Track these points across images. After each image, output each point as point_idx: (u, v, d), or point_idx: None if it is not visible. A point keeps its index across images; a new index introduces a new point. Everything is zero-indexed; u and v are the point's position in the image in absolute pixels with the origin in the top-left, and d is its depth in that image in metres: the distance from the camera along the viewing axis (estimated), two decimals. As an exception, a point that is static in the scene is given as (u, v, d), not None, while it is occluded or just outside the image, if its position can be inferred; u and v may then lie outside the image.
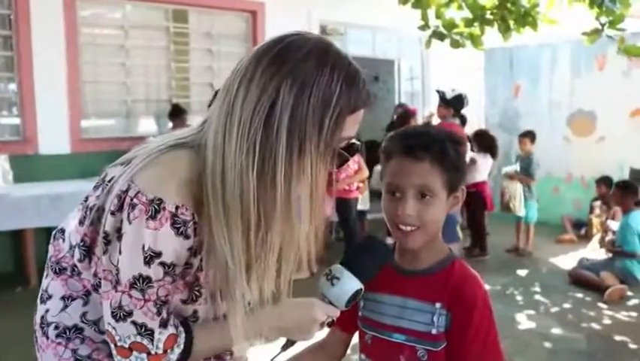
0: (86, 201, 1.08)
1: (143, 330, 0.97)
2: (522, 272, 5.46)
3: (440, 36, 5.19)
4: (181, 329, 1.02)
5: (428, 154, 1.15)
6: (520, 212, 6.00)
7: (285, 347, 1.19)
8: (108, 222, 0.97)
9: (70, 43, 5.61)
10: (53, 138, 5.50)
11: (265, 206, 0.96)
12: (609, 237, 5.41)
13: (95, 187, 1.07)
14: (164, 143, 1.03)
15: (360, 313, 1.29)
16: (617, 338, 3.88)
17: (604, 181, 6.56)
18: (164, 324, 0.99)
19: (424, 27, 5.06)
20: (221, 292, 1.03)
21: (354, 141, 1.06)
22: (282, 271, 1.05)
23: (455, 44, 5.21)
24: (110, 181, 1.04)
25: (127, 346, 0.97)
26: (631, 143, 6.70)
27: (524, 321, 4.16)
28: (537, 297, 4.75)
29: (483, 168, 5.94)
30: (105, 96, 6.13)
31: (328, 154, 0.98)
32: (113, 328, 0.97)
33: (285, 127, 0.93)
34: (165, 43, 6.44)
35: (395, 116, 7.02)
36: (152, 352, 0.98)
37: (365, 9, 7.22)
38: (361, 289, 1.13)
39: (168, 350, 0.99)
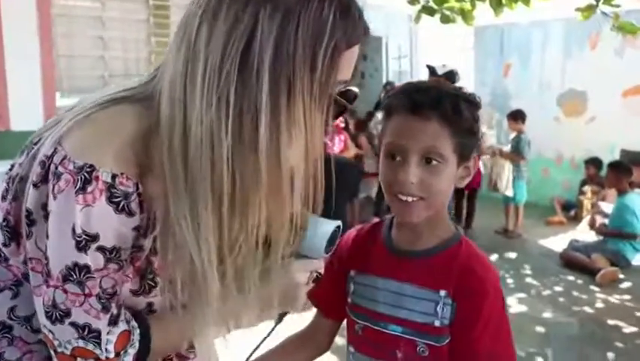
0: (10, 169, 0.85)
1: (86, 332, 0.77)
2: (512, 255, 5.35)
3: (430, 11, 5.01)
4: (134, 324, 0.83)
5: (438, 112, 0.97)
6: (508, 192, 5.86)
7: (279, 320, 1.05)
8: (31, 197, 0.77)
9: (43, 15, 5.34)
10: (26, 114, 5.24)
11: (244, 174, 0.75)
12: (600, 219, 5.30)
13: (21, 152, 0.85)
14: (103, 96, 0.82)
15: (349, 299, 1.11)
16: (610, 321, 3.79)
17: (593, 162, 6.49)
18: (113, 321, 0.79)
19: (414, 1, 4.88)
20: (183, 283, 0.83)
21: (350, 87, 0.86)
22: (271, 258, 0.84)
23: (445, 19, 5.04)
24: (36, 144, 0.82)
25: (69, 353, 0.78)
26: (622, 124, 6.57)
27: (515, 305, 4.04)
28: (528, 280, 4.65)
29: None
30: (81, 71, 5.87)
31: (324, 100, 0.78)
32: (50, 331, 0.78)
33: (268, 68, 0.73)
34: (145, 16, 6.17)
35: (382, 95, 6.83)
36: (102, 357, 0.79)
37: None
38: (339, 227, 0.98)
39: (121, 352, 0.80)
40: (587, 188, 6.40)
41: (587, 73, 6.91)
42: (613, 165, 5.28)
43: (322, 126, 0.78)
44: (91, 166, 0.74)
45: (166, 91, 0.77)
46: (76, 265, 0.75)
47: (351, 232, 1.18)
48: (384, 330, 1.04)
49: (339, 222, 0.96)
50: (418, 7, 4.97)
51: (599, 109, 6.87)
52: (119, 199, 0.75)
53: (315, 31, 0.74)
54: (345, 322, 1.15)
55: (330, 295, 1.12)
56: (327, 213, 0.92)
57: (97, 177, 0.74)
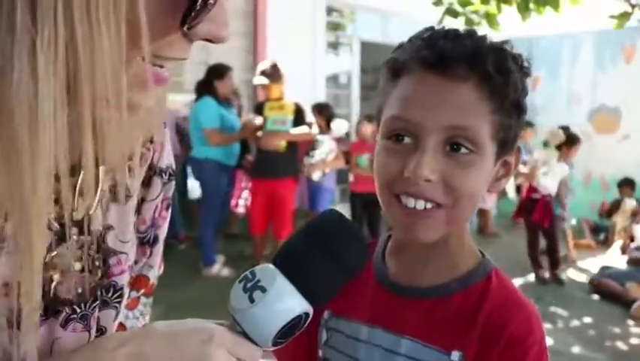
0: None
1: None
2: (532, 278, 4.95)
3: (454, 14, 4.77)
4: None
5: (477, 72, 0.64)
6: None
7: None
8: None
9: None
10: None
11: None
12: (635, 244, 4.90)
13: None
14: None
15: (319, 352, 0.79)
16: (647, 360, 3.40)
17: (627, 183, 6.09)
18: None
19: (438, 2, 4.63)
20: None
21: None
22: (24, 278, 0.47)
23: (469, 22, 4.77)
24: None
25: None
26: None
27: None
28: (553, 308, 4.25)
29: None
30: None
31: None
32: None
33: None
34: None
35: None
36: None
37: (375, -11, 6.72)
38: (307, 315, 0.58)
39: None
40: (626, 205, 5.96)
41: (620, 87, 6.54)
42: None
43: (119, 52, 0.43)
44: None
45: None
46: None
47: None
48: None
49: (310, 310, 0.59)
50: (442, 9, 4.73)
51: (634, 126, 6.47)
52: None
53: None
54: None
55: (295, 346, 0.76)
56: (304, 287, 0.57)
57: None
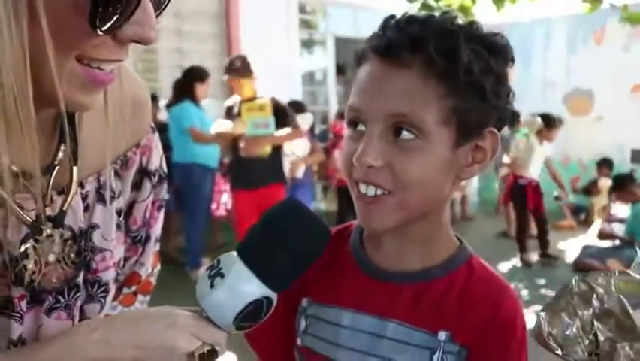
0: None
1: None
2: (517, 262, 5.01)
3: (429, 8, 4.79)
4: None
5: (421, 56, 0.64)
6: None
7: None
8: None
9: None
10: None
11: None
12: (611, 226, 5.00)
13: None
14: None
15: (298, 340, 0.78)
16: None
17: (605, 164, 6.18)
18: None
19: (413, -3, 4.66)
20: None
21: None
22: None
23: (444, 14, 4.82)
24: None
25: None
26: (632, 122, 6.27)
27: (532, 319, 3.70)
28: (543, 291, 4.30)
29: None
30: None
31: None
32: None
33: None
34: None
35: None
36: None
37: (346, -16, 6.73)
38: (269, 300, 0.61)
39: None
40: (602, 183, 6.06)
41: (592, 70, 6.63)
42: (618, 182, 5.00)
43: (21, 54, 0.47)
44: None
45: None
46: None
47: None
48: None
49: (270, 294, 0.60)
50: (417, 4, 4.76)
51: (607, 107, 6.58)
52: None
53: None
54: None
55: (271, 334, 0.78)
56: (263, 273, 0.60)
57: None
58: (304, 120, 4.87)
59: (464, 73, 0.64)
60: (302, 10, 7.06)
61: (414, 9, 4.85)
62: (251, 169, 3.64)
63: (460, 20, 0.68)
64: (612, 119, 6.51)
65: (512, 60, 0.70)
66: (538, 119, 5.03)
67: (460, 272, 0.72)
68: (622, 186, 4.90)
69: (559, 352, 0.59)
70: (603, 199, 5.92)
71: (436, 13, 0.72)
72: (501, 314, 0.69)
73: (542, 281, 4.54)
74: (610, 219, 5.15)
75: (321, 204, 6.20)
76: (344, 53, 7.06)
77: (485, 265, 0.74)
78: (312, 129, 5.45)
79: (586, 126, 6.79)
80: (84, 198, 0.63)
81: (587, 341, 0.58)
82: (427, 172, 0.66)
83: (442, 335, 0.69)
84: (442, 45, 0.64)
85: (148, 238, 0.75)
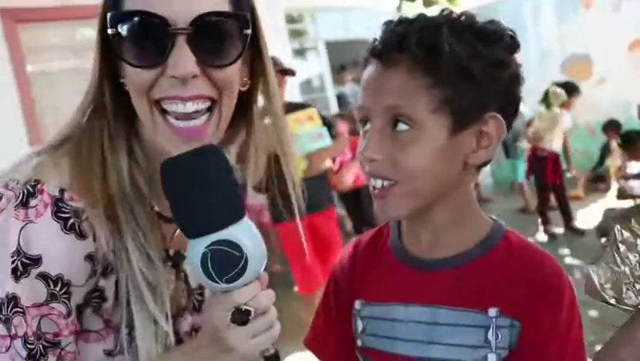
0: None
1: None
2: (541, 236, 5.01)
3: (430, 3, 4.83)
4: None
5: (407, 54, 0.70)
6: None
7: None
8: None
9: (19, 73, 5.16)
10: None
11: None
12: (629, 183, 4.96)
13: None
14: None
15: (358, 341, 0.82)
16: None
17: (611, 126, 6.14)
18: None
19: (398, -9, 4.71)
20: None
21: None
22: None
23: (428, 3, 4.84)
24: None
25: None
26: (633, 79, 6.24)
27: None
28: (569, 260, 4.30)
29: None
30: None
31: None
32: None
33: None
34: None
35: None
36: None
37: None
38: (217, 245, 0.63)
39: None
40: (614, 147, 6.03)
41: (585, 34, 6.61)
42: (626, 140, 4.97)
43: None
44: (36, 180, 0.64)
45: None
46: (8, 296, 0.61)
47: (347, 249, 0.89)
48: None
49: (208, 239, 0.63)
50: (419, 1, 4.81)
51: (606, 69, 6.55)
52: (67, 215, 0.64)
53: None
54: None
55: (330, 341, 0.84)
56: (190, 230, 0.65)
57: (41, 190, 0.64)
58: None
59: (449, 62, 0.68)
60: (289, 20, 7.10)
61: (417, 7, 4.88)
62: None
63: (454, 13, 0.73)
64: (613, 80, 6.48)
65: (516, 45, 0.73)
66: (563, 92, 4.98)
67: (499, 247, 0.76)
68: (631, 144, 4.87)
69: (613, 301, 0.62)
70: (617, 160, 5.89)
71: (437, 7, 0.78)
72: (546, 279, 0.72)
73: (566, 251, 4.52)
74: (626, 176, 5.12)
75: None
76: (337, 55, 7.09)
77: (521, 237, 0.78)
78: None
79: (588, 90, 6.76)
80: None
81: (638, 286, 0.61)
82: (425, 160, 0.70)
83: (493, 312, 0.72)
84: (423, 40, 0.69)
85: None
